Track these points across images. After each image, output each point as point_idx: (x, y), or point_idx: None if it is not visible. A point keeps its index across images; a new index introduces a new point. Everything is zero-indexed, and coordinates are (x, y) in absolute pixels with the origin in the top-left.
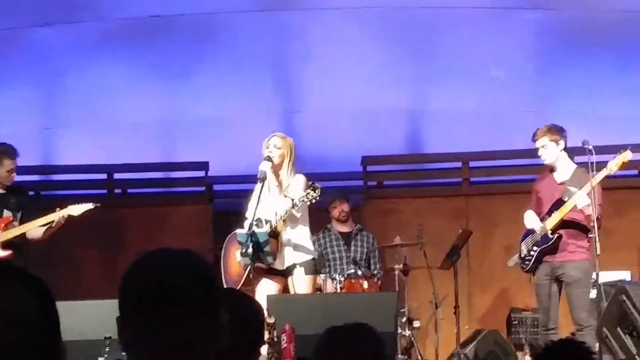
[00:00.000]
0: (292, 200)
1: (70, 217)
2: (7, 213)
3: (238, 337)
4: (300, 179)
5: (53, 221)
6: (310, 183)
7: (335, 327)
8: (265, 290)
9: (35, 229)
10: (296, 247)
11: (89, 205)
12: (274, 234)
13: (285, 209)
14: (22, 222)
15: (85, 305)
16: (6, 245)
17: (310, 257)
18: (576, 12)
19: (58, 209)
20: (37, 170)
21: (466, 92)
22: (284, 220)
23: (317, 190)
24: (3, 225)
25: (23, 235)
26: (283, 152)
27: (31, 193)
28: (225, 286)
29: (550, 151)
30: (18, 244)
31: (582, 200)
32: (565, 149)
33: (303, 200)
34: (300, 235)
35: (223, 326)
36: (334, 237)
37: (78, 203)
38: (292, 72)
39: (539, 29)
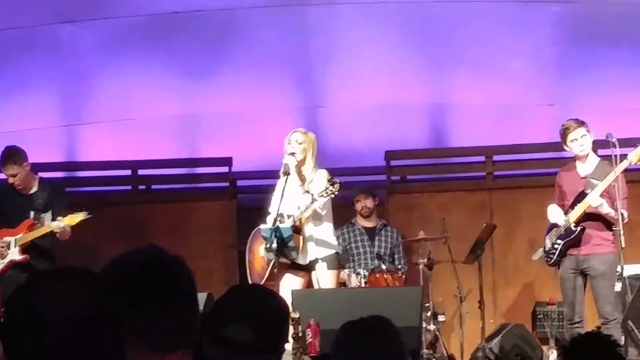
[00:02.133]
0: (312, 195)
1: (70, 227)
2: (32, 215)
3: (262, 332)
4: (323, 174)
5: (57, 233)
6: (329, 178)
7: (353, 322)
8: (288, 285)
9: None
10: (319, 242)
11: (82, 216)
12: (297, 229)
13: (306, 204)
14: (54, 217)
15: None
16: (26, 248)
17: (333, 251)
18: (597, 5)
19: (60, 218)
20: (61, 167)
21: (489, 86)
22: (306, 216)
23: (336, 185)
24: (27, 227)
25: (49, 236)
26: (305, 147)
27: None
28: (250, 282)
29: (588, 141)
30: (41, 245)
31: (594, 201)
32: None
33: (322, 195)
34: (323, 230)
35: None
36: (358, 232)
37: (73, 213)
38: (315, 68)
39: (561, 22)
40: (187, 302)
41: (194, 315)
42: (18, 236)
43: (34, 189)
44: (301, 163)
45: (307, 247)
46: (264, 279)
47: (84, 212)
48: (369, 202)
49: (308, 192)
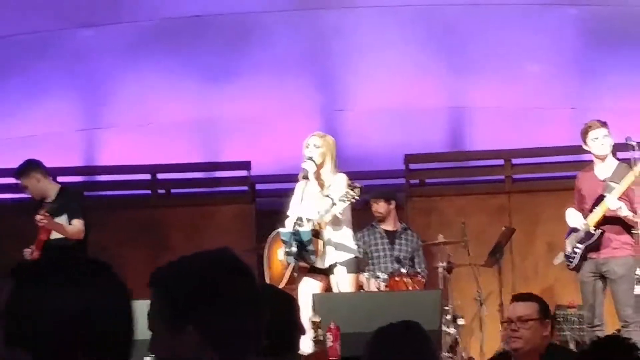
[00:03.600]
0: (332, 199)
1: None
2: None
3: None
4: (342, 178)
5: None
6: (349, 182)
7: (383, 327)
8: (308, 289)
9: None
10: (338, 247)
11: None
12: (316, 234)
13: (326, 208)
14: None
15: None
16: (43, 248)
17: (352, 255)
18: (616, 7)
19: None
20: (80, 171)
21: (507, 89)
22: (326, 220)
23: (356, 190)
24: (44, 234)
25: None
26: (323, 151)
27: None
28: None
29: (610, 142)
30: (59, 245)
31: (613, 203)
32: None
33: (342, 200)
34: (342, 234)
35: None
36: (378, 235)
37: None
38: (334, 71)
39: (579, 25)
40: (255, 309)
41: (259, 323)
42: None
43: (52, 197)
44: (320, 167)
45: (327, 251)
46: (284, 283)
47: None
48: (381, 207)
49: (328, 196)
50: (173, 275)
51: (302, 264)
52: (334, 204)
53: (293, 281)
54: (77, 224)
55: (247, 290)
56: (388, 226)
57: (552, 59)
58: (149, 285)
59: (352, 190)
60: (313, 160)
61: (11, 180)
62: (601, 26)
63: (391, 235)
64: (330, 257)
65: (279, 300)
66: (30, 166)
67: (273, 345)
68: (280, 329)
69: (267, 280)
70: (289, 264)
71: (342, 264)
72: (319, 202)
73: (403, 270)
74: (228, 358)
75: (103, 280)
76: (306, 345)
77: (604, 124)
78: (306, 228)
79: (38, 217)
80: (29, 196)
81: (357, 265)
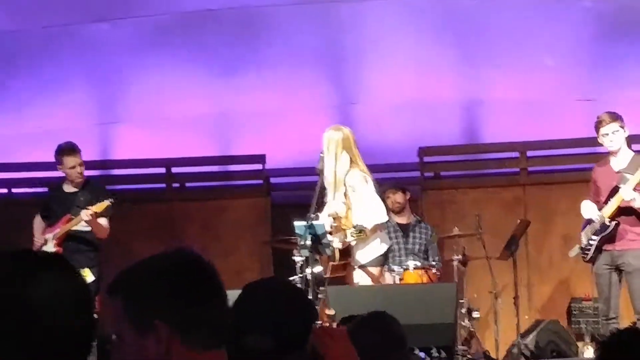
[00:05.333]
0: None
1: (96, 214)
2: (75, 212)
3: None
4: (356, 175)
5: (82, 220)
6: (356, 224)
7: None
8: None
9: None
10: (365, 249)
11: (107, 202)
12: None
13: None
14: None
15: None
16: (64, 241)
17: (378, 255)
18: None
19: (87, 208)
20: (96, 165)
21: (522, 81)
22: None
23: (362, 233)
24: (64, 223)
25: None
26: (335, 145)
27: None
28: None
29: (620, 136)
30: (82, 238)
31: (627, 194)
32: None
33: (349, 241)
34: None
35: None
36: (392, 229)
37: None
38: (348, 64)
39: (594, 16)
40: (220, 300)
41: (226, 313)
42: (56, 231)
43: (78, 188)
44: (331, 161)
45: (355, 255)
46: (328, 273)
47: (110, 198)
48: (399, 197)
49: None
50: (134, 277)
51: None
52: (345, 237)
53: (337, 272)
54: (106, 224)
55: (208, 282)
56: (402, 219)
57: (567, 51)
58: (109, 294)
59: (358, 232)
60: (323, 155)
61: (27, 174)
62: (616, 17)
63: (405, 229)
64: (357, 259)
65: (287, 296)
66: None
67: (280, 346)
68: (288, 330)
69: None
70: (329, 256)
71: (368, 264)
72: (331, 201)
73: (418, 263)
74: (198, 349)
75: (54, 274)
76: None
77: (615, 118)
78: (320, 222)
79: (86, 212)
80: (66, 178)
81: (380, 261)
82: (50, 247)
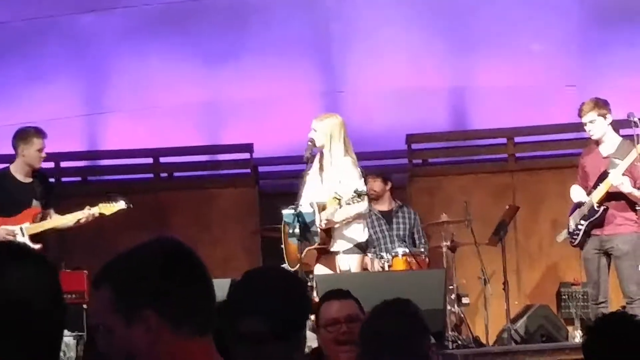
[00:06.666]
0: (339, 200)
1: (102, 215)
2: (35, 203)
3: (276, 320)
4: (346, 164)
5: (81, 218)
6: (356, 188)
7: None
8: (320, 271)
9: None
10: (344, 238)
11: (122, 205)
12: (326, 232)
13: (332, 210)
14: (44, 211)
15: None
16: (36, 238)
17: (354, 244)
18: None
19: (88, 207)
20: (83, 156)
21: (509, 68)
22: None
23: (362, 197)
24: (32, 216)
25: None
26: (324, 133)
27: (78, 178)
28: (286, 264)
29: (598, 126)
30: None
31: (616, 179)
32: (611, 122)
33: (348, 204)
34: (350, 228)
35: None
36: (375, 217)
37: (110, 202)
38: (335, 53)
39: (583, 2)
40: (206, 285)
41: (212, 300)
42: (24, 225)
43: (31, 178)
44: (321, 148)
45: (335, 236)
46: (297, 265)
47: (123, 201)
48: (376, 185)
49: (338, 199)
50: (120, 267)
51: (317, 246)
52: (340, 205)
53: (307, 262)
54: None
55: (195, 269)
56: (382, 206)
57: (554, 37)
58: (95, 285)
59: (358, 197)
60: (313, 142)
61: None
62: (604, 3)
63: (387, 216)
64: (336, 245)
65: (283, 283)
66: None
67: (277, 331)
68: (284, 315)
69: (286, 261)
70: (301, 245)
71: (345, 252)
72: (319, 187)
73: (406, 250)
74: (186, 336)
75: (30, 264)
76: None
77: (592, 108)
78: (309, 209)
79: (91, 213)
80: (16, 166)
81: (361, 249)
82: (25, 241)
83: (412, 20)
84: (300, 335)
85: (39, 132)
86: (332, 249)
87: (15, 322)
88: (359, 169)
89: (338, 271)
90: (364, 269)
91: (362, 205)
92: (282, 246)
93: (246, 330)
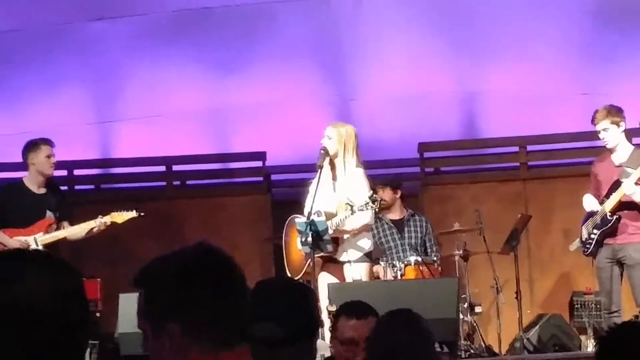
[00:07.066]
0: (352, 207)
1: (113, 224)
2: (48, 214)
3: (285, 326)
4: (358, 174)
5: (94, 227)
6: (370, 194)
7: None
8: (327, 279)
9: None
10: (354, 246)
11: (133, 214)
12: (335, 240)
13: (342, 217)
14: (58, 222)
15: None
16: (49, 248)
17: (363, 253)
18: None
19: (100, 216)
20: (96, 164)
21: (522, 75)
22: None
23: (376, 203)
24: (45, 227)
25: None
26: (337, 142)
27: (91, 187)
28: (287, 273)
29: (612, 134)
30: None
31: (629, 188)
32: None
33: (362, 210)
34: (359, 237)
35: None
36: (386, 226)
37: (122, 210)
38: (346, 60)
39: (594, 8)
40: (238, 297)
41: (243, 311)
42: (38, 235)
43: (45, 189)
44: (334, 157)
45: (344, 246)
46: (302, 273)
47: (135, 210)
48: (386, 195)
49: (350, 204)
50: (154, 275)
51: (322, 254)
52: (353, 211)
53: (311, 271)
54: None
55: (225, 279)
56: (394, 215)
57: (566, 44)
58: (134, 286)
59: (372, 202)
60: (325, 151)
61: (25, 174)
62: (615, 9)
63: (399, 224)
64: (345, 254)
65: (295, 291)
66: None
67: (290, 336)
68: (297, 321)
69: (286, 269)
70: (307, 254)
71: (356, 261)
72: (331, 195)
73: (418, 259)
74: (211, 349)
75: (41, 269)
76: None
77: (605, 116)
78: (322, 218)
79: (103, 222)
80: (29, 177)
81: (370, 258)
82: None
83: (422, 27)
84: (312, 341)
85: (46, 140)
86: (340, 259)
87: (30, 329)
88: (369, 180)
89: (347, 280)
90: (376, 277)
91: (369, 215)
92: (285, 254)
93: (260, 335)
